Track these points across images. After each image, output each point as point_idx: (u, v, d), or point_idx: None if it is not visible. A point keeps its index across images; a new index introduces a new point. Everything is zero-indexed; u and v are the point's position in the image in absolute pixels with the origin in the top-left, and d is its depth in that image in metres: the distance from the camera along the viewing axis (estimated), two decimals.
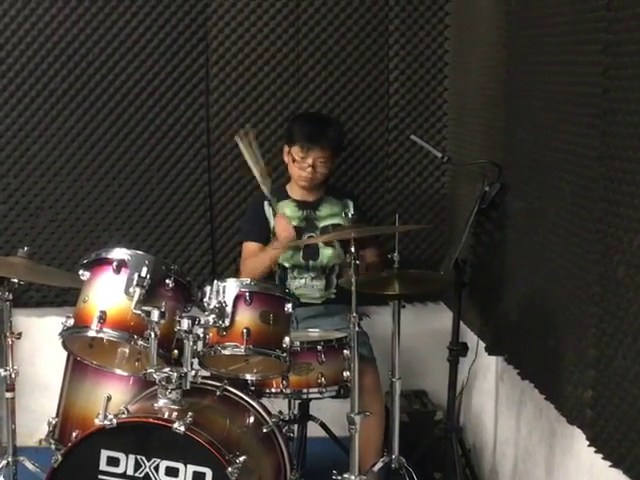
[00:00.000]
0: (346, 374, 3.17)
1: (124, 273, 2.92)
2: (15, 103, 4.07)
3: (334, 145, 3.83)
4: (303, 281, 3.82)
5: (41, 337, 4.03)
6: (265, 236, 3.83)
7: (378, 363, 3.62)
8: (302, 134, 3.79)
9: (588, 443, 2.53)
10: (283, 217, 3.73)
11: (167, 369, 2.80)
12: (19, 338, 3.19)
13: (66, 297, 4.06)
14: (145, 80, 4.11)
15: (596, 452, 2.47)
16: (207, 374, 3.08)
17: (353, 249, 2.94)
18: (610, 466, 2.39)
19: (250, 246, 3.86)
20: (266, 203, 3.85)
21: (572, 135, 2.67)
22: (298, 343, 3.20)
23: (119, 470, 2.72)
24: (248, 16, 4.12)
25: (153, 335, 2.79)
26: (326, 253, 3.82)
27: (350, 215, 3.10)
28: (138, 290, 2.86)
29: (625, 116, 2.30)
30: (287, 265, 3.81)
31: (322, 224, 3.85)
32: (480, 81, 3.72)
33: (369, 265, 3.66)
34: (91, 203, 4.18)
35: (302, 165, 3.78)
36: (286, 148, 3.86)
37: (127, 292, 2.88)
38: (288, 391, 3.21)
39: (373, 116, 4.25)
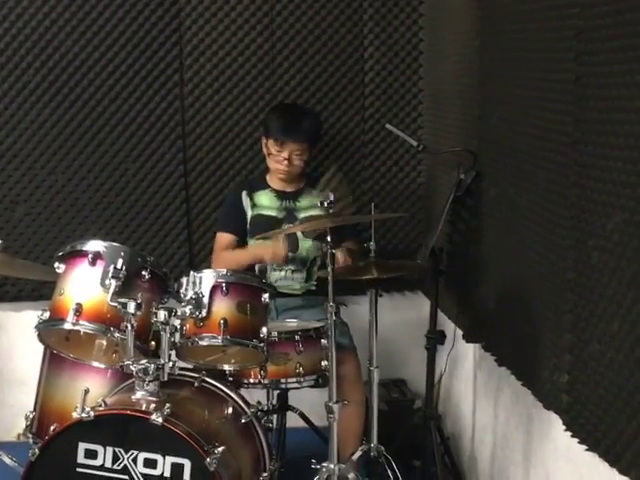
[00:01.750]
0: (324, 363, 3.14)
1: (100, 265, 2.91)
2: None
3: (310, 137, 3.82)
4: (283, 273, 3.81)
5: (18, 332, 4.01)
6: (241, 228, 3.82)
7: (359, 353, 3.61)
8: (277, 127, 3.78)
9: (564, 428, 2.54)
10: (284, 241, 3.67)
11: (144, 361, 2.79)
12: None
13: (42, 291, 4.03)
14: (119, 72, 4.08)
15: (572, 436, 2.49)
16: (185, 365, 3.08)
17: (329, 238, 2.94)
18: (586, 450, 2.40)
19: (224, 237, 3.85)
20: (244, 194, 3.84)
21: (545, 122, 2.68)
22: (276, 333, 3.19)
23: (97, 462, 2.71)
24: (222, 6, 4.11)
25: (130, 327, 2.78)
26: (306, 245, 3.80)
27: (326, 204, 3.08)
28: (114, 282, 2.84)
29: (597, 102, 2.31)
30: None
31: (302, 215, 3.83)
32: (454, 69, 3.73)
33: (350, 254, 3.66)
34: (66, 196, 4.16)
35: (278, 158, 3.77)
36: (263, 140, 3.85)
37: (103, 284, 2.87)
38: (266, 381, 3.21)
39: (349, 105, 4.25)
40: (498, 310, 3.20)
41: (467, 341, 3.56)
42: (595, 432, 2.36)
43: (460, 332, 3.62)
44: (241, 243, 3.84)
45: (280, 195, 3.86)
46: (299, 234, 3.75)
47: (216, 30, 4.12)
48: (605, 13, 2.25)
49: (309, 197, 3.86)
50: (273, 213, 3.81)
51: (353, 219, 3.78)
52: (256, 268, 3.79)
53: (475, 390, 3.71)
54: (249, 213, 3.83)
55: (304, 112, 3.97)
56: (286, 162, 3.76)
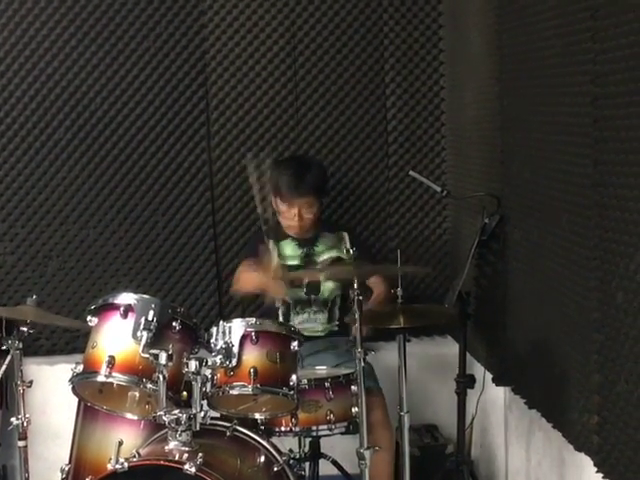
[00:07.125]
0: (355, 410, 3.15)
1: (131, 317, 2.94)
2: (20, 155, 4.15)
3: (316, 190, 3.80)
4: (306, 315, 3.85)
5: (52, 385, 4.04)
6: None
7: (389, 398, 3.59)
8: (282, 186, 3.76)
9: (596, 469, 2.54)
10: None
11: (176, 411, 2.81)
12: (30, 386, 3.21)
13: (76, 344, 4.09)
14: (147, 127, 4.18)
15: (604, 477, 2.49)
16: (216, 415, 3.10)
17: (356, 285, 2.97)
18: None
19: (247, 261, 3.83)
20: (271, 243, 3.86)
21: (566, 164, 2.72)
22: (305, 381, 3.21)
23: None
24: (246, 60, 4.20)
25: (161, 378, 2.80)
26: (327, 287, 3.83)
27: (352, 251, 3.12)
28: (145, 334, 2.88)
29: (615, 144, 2.35)
30: (289, 301, 3.83)
31: (320, 259, 3.86)
32: (476, 115, 3.78)
33: (379, 294, 3.69)
34: (98, 250, 4.23)
35: (288, 215, 3.79)
36: (272, 198, 3.84)
37: (135, 336, 2.90)
38: (297, 429, 3.21)
39: (373, 153, 4.31)
40: (526, 352, 3.20)
41: (497, 384, 3.56)
42: (626, 472, 2.36)
43: (490, 375, 3.62)
44: None
45: (301, 243, 3.89)
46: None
47: (241, 83, 4.21)
48: (619, 58, 2.30)
49: (325, 240, 3.89)
50: (295, 262, 3.85)
51: (376, 270, 3.79)
52: (279, 313, 3.82)
53: (507, 433, 3.70)
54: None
55: (307, 165, 3.90)
56: (296, 218, 3.77)
